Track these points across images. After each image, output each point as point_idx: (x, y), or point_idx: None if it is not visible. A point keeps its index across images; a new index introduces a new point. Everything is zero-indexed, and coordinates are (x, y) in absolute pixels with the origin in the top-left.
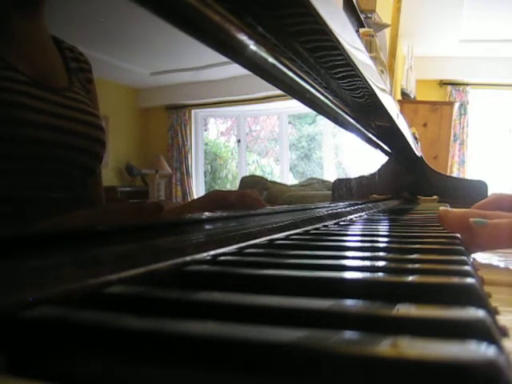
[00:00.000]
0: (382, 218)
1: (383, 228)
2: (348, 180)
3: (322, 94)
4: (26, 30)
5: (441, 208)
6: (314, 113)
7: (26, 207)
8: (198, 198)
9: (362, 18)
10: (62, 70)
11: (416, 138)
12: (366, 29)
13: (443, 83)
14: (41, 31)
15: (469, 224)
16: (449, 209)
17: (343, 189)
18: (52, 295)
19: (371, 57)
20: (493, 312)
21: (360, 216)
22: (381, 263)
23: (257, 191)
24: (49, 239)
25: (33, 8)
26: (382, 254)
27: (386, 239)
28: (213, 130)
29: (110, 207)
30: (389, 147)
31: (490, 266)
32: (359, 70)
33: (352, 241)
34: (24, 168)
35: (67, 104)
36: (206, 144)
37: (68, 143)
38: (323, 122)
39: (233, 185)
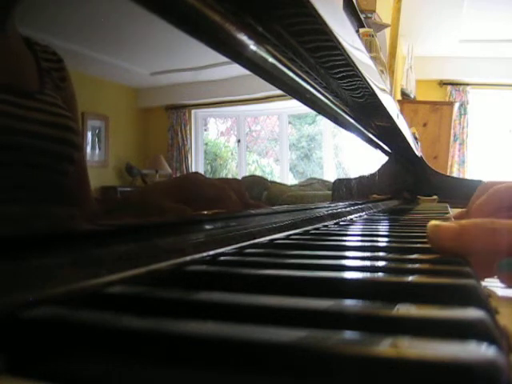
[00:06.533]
0: (381, 218)
1: (383, 228)
2: (348, 180)
3: (322, 94)
4: None
5: (430, 223)
6: (314, 113)
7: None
8: (172, 181)
9: (362, 18)
10: (34, 72)
11: (416, 138)
12: (366, 29)
13: (443, 83)
14: (11, 35)
15: (469, 244)
16: (439, 223)
17: (343, 189)
18: (52, 295)
19: (371, 57)
20: (493, 312)
21: (360, 216)
22: (381, 263)
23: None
24: (49, 239)
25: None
26: (381, 254)
27: (385, 239)
28: (213, 130)
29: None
30: (389, 147)
31: None
32: (359, 70)
33: (352, 241)
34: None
35: (37, 107)
36: (206, 144)
37: (36, 147)
38: (323, 122)
39: None
